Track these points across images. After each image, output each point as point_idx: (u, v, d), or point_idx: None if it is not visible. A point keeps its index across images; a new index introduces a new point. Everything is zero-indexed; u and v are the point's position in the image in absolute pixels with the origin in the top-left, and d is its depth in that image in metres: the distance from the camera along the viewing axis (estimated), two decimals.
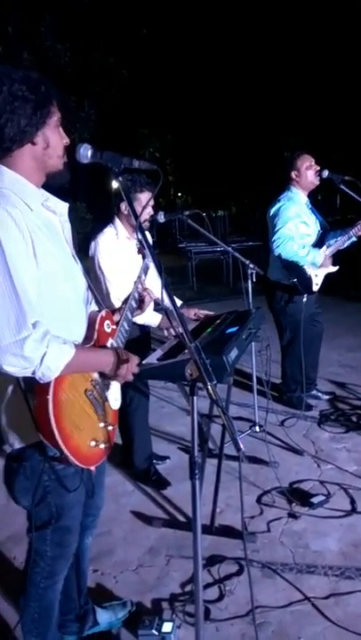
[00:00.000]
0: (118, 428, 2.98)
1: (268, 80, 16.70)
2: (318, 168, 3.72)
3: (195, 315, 2.91)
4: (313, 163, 3.75)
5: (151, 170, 1.54)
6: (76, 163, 1.47)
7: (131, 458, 3.08)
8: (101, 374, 1.53)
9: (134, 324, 2.78)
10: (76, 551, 1.72)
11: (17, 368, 1.28)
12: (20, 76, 1.37)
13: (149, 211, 2.78)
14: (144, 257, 1.96)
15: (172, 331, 2.73)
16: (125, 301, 1.78)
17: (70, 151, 1.48)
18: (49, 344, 1.29)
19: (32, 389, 1.35)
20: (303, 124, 16.50)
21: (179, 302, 3.07)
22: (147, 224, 2.88)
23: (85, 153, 1.43)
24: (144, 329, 2.96)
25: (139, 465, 3.08)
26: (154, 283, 2.80)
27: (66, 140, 1.48)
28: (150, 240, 1.95)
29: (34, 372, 1.29)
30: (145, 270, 1.94)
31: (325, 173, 3.64)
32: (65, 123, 1.49)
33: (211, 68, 17.61)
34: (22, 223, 1.31)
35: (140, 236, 1.51)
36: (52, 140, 1.43)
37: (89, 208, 12.18)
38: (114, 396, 1.59)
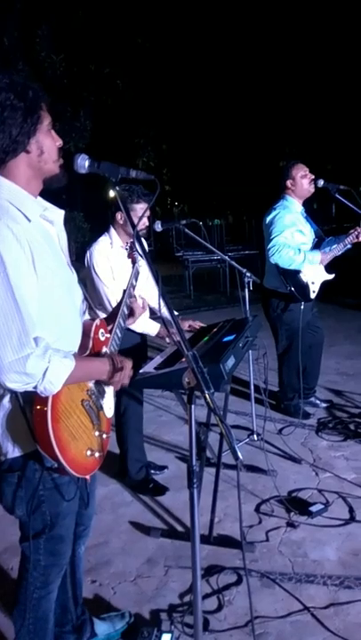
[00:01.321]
0: (116, 438, 3.00)
1: (263, 90, 16.85)
2: (313, 177, 3.76)
3: (189, 327, 2.92)
4: (307, 172, 3.78)
5: (148, 180, 1.55)
6: (72, 172, 1.48)
7: (125, 468, 3.07)
8: (97, 382, 1.54)
9: (133, 331, 2.80)
10: (69, 561, 1.71)
11: (19, 384, 1.29)
12: (5, 84, 1.35)
13: (145, 221, 2.83)
14: (134, 262, 1.97)
15: (172, 337, 2.74)
16: (117, 308, 1.79)
17: (67, 161, 1.48)
18: (50, 359, 1.30)
19: (30, 400, 1.35)
20: (299, 133, 16.65)
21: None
22: (143, 233, 2.91)
23: (83, 163, 1.44)
24: (143, 336, 2.97)
25: (133, 475, 3.06)
26: (149, 291, 2.83)
27: (59, 142, 1.48)
28: (147, 249, 1.96)
29: (36, 387, 1.30)
30: (135, 276, 1.95)
31: (321, 183, 3.67)
32: (60, 133, 1.50)
33: (206, 77, 17.77)
34: (23, 238, 1.31)
35: (137, 246, 1.52)
36: (45, 145, 1.42)
37: (86, 217, 12.21)
38: (108, 405, 1.61)
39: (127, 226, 2.83)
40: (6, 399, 1.41)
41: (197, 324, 2.92)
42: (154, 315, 2.97)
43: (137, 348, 2.90)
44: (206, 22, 16.75)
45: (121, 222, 2.84)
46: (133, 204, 2.76)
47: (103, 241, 2.86)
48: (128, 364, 1.57)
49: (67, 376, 1.33)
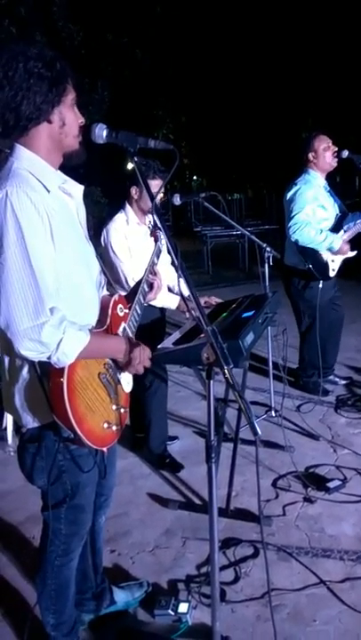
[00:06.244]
0: (136, 412, 3.03)
1: (285, 60, 16.34)
2: (336, 149, 3.64)
3: (205, 303, 2.90)
4: (331, 144, 3.66)
5: (167, 150, 1.52)
6: (90, 146, 1.46)
7: (147, 441, 3.10)
8: (114, 360, 1.54)
9: (153, 307, 2.79)
10: (90, 530, 1.75)
11: (34, 352, 1.30)
12: (35, 53, 1.35)
13: (160, 196, 2.78)
14: (156, 240, 1.95)
15: (191, 313, 2.73)
16: (138, 285, 1.78)
17: (85, 134, 1.46)
18: (65, 330, 1.31)
19: (47, 372, 1.36)
20: (321, 104, 16.17)
21: None
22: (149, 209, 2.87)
23: (101, 133, 1.42)
24: (163, 311, 2.96)
25: (154, 449, 3.10)
26: (166, 267, 2.80)
27: (81, 120, 1.47)
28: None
29: (49, 357, 1.31)
30: (157, 254, 1.93)
31: (345, 154, 3.55)
32: (79, 105, 1.48)
33: (227, 48, 17.27)
34: (41, 207, 1.31)
35: (155, 218, 1.50)
36: (67, 118, 1.42)
37: (104, 192, 12.11)
38: (126, 380, 1.61)
39: (141, 201, 2.80)
40: (25, 370, 1.42)
41: (213, 300, 2.89)
42: (170, 291, 2.96)
43: (156, 323, 2.90)
44: None
45: (135, 197, 2.81)
46: (149, 180, 2.71)
47: (119, 218, 2.84)
48: (146, 348, 1.56)
49: (80, 349, 1.33)
